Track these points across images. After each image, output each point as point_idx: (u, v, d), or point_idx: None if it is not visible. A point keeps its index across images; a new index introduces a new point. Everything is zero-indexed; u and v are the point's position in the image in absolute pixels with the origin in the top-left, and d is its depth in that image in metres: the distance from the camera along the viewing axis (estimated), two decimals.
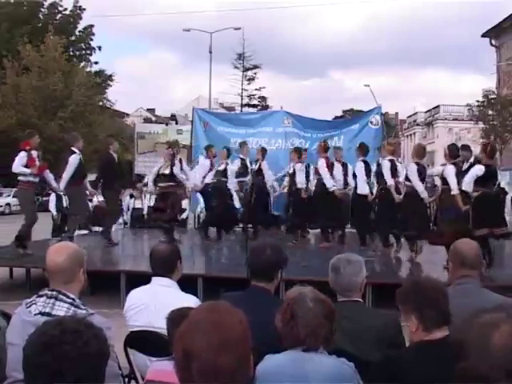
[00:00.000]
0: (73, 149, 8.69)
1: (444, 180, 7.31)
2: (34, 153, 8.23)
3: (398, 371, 2.09)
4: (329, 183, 9.17)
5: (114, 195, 9.61)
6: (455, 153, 7.53)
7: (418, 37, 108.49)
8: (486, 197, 6.82)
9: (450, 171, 7.19)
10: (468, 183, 6.84)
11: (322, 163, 9.33)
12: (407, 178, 7.93)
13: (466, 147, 8.38)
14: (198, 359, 1.30)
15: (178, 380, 1.39)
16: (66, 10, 33.69)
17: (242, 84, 36.03)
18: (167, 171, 9.45)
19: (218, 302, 1.48)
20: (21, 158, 8.13)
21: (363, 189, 8.84)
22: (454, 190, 6.99)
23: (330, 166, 9.39)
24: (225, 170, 9.93)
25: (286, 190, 10.31)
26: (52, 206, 13.39)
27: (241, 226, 10.61)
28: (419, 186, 7.71)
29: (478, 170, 6.85)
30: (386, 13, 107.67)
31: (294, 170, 9.81)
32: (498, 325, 1.15)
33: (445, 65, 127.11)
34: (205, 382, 1.30)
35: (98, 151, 19.62)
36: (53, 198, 13.30)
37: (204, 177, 9.99)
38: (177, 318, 2.37)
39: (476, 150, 9.35)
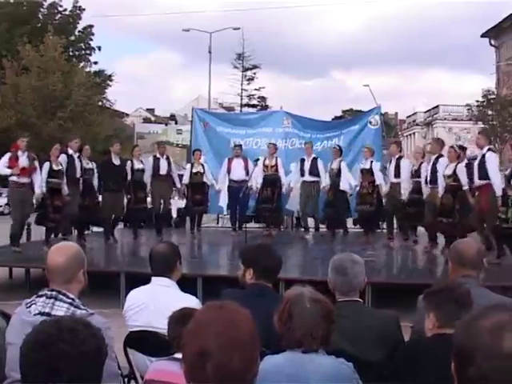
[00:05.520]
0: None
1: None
2: (21, 154, 8.39)
3: (416, 359, 2.18)
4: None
5: (110, 197, 9.59)
6: None
7: (421, 37, 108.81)
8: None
9: (462, 169, 7.83)
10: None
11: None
12: None
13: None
14: (214, 359, 1.30)
15: (184, 380, 1.38)
16: (65, 10, 33.68)
17: (242, 84, 36.02)
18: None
19: (225, 302, 1.47)
20: (3, 159, 8.40)
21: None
22: (464, 186, 7.81)
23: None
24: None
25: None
26: None
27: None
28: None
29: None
30: (389, 13, 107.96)
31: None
32: (504, 327, 1.15)
33: (448, 65, 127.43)
34: (219, 382, 1.30)
35: (96, 151, 19.56)
36: None
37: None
38: (179, 317, 2.37)
39: (475, 150, 9.55)
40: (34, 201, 8.70)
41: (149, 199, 10.53)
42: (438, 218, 7.90)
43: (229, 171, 10.73)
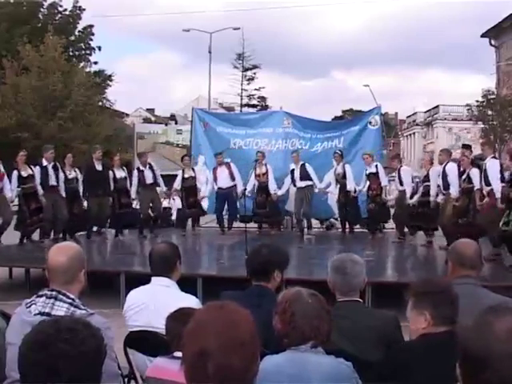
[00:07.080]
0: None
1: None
2: None
3: (407, 362, 2.18)
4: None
5: (95, 202, 9.92)
6: None
7: (421, 37, 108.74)
8: None
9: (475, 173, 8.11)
10: None
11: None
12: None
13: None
14: (214, 359, 1.30)
15: (184, 379, 1.38)
16: (65, 10, 33.65)
17: (242, 84, 35.97)
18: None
19: (225, 302, 1.47)
20: None
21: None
22: (476, 187, 8.08)
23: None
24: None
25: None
26: None
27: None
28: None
29: None
30: (388, 13, 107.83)
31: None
32: None
33: (447, 65, 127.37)
34: (219, 382, 1.30)
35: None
36: None
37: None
38: (177, 316, 2.37)
39: (474, 150, 9.82)
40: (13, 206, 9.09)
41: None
42: (454, 219, 8.21)
43: (215, 180, 11.10)
